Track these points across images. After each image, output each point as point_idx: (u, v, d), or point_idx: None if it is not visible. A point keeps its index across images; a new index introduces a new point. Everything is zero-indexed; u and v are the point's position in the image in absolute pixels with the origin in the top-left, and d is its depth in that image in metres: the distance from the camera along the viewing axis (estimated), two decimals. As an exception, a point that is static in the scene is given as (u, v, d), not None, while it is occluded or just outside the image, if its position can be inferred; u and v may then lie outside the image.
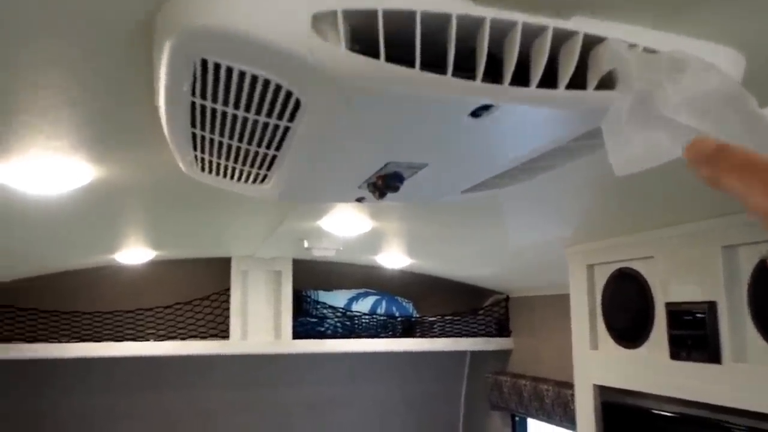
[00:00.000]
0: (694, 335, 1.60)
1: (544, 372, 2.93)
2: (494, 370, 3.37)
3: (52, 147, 1.07)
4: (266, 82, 0.67)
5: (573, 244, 2.10)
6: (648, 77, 0.64)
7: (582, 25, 0.65)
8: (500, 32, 0.65)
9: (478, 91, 0.65)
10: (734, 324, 1.53)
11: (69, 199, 1.42)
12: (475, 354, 3.59)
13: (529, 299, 3.18)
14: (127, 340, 2.82)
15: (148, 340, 2.86)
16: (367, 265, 3.25)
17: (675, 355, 1.67)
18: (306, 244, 2.44)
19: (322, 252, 2.47)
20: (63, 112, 0.96)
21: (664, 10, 0.66)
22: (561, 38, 0.67)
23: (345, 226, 2.06)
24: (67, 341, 2.72)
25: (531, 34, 0.66)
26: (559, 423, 2.69)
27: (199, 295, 3.04)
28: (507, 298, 3.40)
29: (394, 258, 2.98)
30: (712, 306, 1.57)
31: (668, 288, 1.73)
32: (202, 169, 1.09)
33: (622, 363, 1.89)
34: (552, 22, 0.64)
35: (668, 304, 1.71)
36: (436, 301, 3.46)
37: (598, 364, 2.00)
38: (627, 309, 1.88)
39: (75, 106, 0.95)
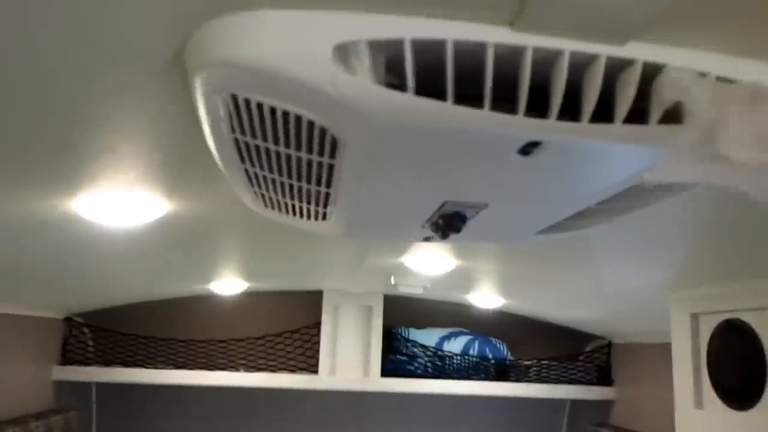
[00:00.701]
0: (814, 400, 1.40)
1: (648, 427, 2.69)
2: (594, 421, 3.14)
3: (124, 180, 1.11)
4: (298, 118, 0.65)
5: (676, 290, 1.92)
6: (721, 110, 0.55)
7: (640, 51, 0.58)
8: (546, 62, 0.59)
9: (520, 126, 0.59)
10: None
11: (150, 231, 1.47)
12: (575, 403, 3.36)
13: (633, 346, 2.95)
14: (219, 369, 2.89)
15: (238, 370, 2.91)
16: (460, 303, 3.16)
17: (792, 422, 1.47)
18: (392, 281, 2.41)
19: (409, 289, 2.43)
20: (137, 148, 0.99)
21: (741, 31, 0.57)
22: (617, 67, 0.60)
23: (428, 263, 2.01)
24: (163, 367, 2.82)
25: (581, 63, 0.59)
26: (664, 486, 2.44)
27: (290, 328, 3.07)
28: (609, 344, 3.18)
29: (485, 297, 2.88)
30: (835, 368, 1.37)
31: (783, 344, 1.52)
32: (265, 205, 1.09)
33: (731, 426, 1.69)
34: (605, 50, 0.57)
35: (784, 363, 1.51)
36: (533, 344, 3.29)
37: (702, 425, 1.80)
38: (736, 365, 1.68)
39: (143, 142, 0.98)
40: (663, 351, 2.42)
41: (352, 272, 2.46)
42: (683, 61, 0.59)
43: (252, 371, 2.93)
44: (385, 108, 0.58)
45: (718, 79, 0.60)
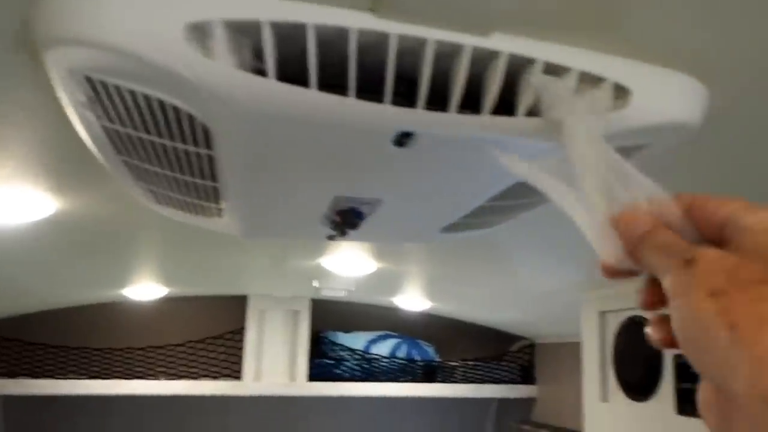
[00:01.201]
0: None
1: (568, 422, 2.76)
2: (519, 419, 3.19)
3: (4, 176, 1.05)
4: (162, 103, 0.62)
5: (586, 290, 1.97)
6: (572, 107, 0.56)
7: (506, 44, 0.58)
8: (414, 51, 0.58)
9: (387, 115, 0.58)
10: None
11: (41, 232, 1.40)
12: (501, 402, 3.42)
13: (554, 346, 3.03)
14: (137, 378, 2.78)
15: (158, 378, 2.81)
16: (387, 306, 3.16)
17: (682, 410, 1.54)
18: (315, 284, 2.38)
19: (332, 292, 2.41)
20: (3, 140, 0.93)
21: (602, 28, 0.58)
22: (485, 59, 0.59)
23: (348, 266, 1.99)
24: (75, 378, 2.70)
25: (450, 54, 0.59)
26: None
27: (214, 333, 2.99)
28: (532, 344, 3.25)
29: (412, 300, 2.88)
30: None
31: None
32: (157, 201, 1.05)
33: (631, 417, 1.74)
34: (470, 40, 0.57)
35: (676, 356, 1.58)
36: (460, 346, 3.32)
37: (607, 417, 1.85)
38: (638, 360, 1.74)
39: (8, 134, 0.92)
40: (579, 350, 2.49)
41: (275, 276, 2.42)
42: (549, 56, 0.59)
43: (173, 379, 2.84)
44: (245, 94, 0.56)
45: (582, 74, 0.60)
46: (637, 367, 1.74)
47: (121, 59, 0.53)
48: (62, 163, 1.07)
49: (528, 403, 3.20)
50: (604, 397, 1.87)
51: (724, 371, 0.34)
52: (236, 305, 3.01)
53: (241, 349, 2.96)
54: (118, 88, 0.60)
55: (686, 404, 1.52)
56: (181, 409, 3.08)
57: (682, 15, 0.56)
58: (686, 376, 1.52)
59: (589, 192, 0.51)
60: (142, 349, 2.87)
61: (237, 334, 2.99)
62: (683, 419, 1.53)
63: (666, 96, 0.63)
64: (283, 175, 0.78)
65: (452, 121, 0.59)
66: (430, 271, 2.20)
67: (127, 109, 0.65)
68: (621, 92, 0.62)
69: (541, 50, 0.59)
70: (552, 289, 2.09)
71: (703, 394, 0.39)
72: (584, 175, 0.52)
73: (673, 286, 0.38)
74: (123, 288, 2.56)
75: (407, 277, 2.35)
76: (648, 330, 0.44)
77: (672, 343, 0.41)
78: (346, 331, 3.17)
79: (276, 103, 0.56)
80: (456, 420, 3.44)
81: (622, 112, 0.61)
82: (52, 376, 2.68)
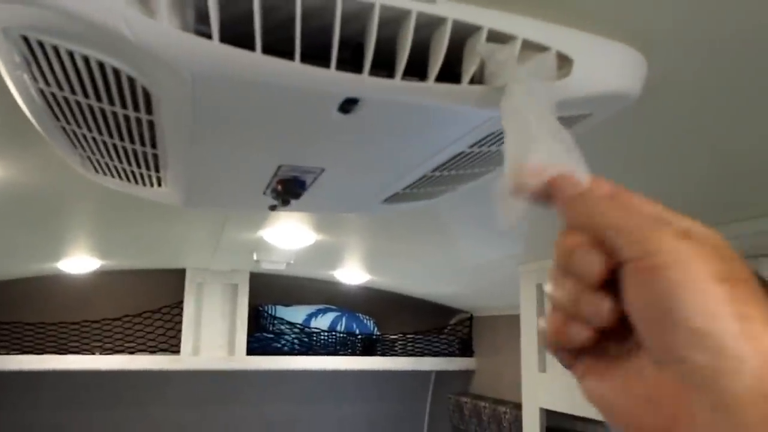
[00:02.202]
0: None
1: (505, 393, 2.85)
2: (457, 391, 3.28)
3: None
4: (101, 65, 0.60)
5: (525, 262, 2.03)
6: (514, 74, 0.57)
7: (452, 11, 0.59)
8: (359, 16, 0.58)
9: (333, 80, 0.58)
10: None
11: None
12: (440, 374, 3.50)
13: (492, 319, 3.11)
14: (72, 353, 2.70)
15: (93, 353, 2.74)
16: (327, 280, 3.16)
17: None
18: (255, 257, 2.36)
19: (272, 265, 2.39)
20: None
21: (548, -3, 0.59)
22: (431, 26, 0.60)
23: (288, 238, 1.98)
24: (5, 353, 2.60)
25: (396, 20, 0.59)
26: (516, 447, 2.60)
27: (151, 308, 2.93)
28: (471, 317, 3.33)
29: (352, 274, 2.90)
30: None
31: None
32: (96, 170, 1.02)
33: (569, 387, 1.82)
34: (416, 6, 0.57)
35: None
36: (400, 320, 3.37)
37: (545, 387, 1.93)
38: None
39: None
40: (517, 322, 2.57)
41: (213, 248, 2.38)
42: (494, 23, 0.60)
43: (109, 354, 2.77)
44: (188, 55, 0.54)
45: (525, 43, 0.61)
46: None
47: (59, 17, 0.51)
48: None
49: (466, 375, 3.29)
50: (542, 368, 1.94)
51: (719, 365, 0.30)
52: (174, 279, 2.96)
53: (179, 323, 2.92)
54: (56, 49, 0.58)
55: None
56: (117, 384, 3.02)
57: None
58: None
59: (511, 154, 0.51)
60: (76, 323, 2.78)
61: (175, 308, 2.94)
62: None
63: (607, 66, 0.66)
64: (225, 142, 0.77)
65: (397, 88, 0.60)
66: (370, 244, 2.22)
67: (65, 70, 0.62)
68: (564, 61, 0.63)
69: (486, 18, 0.60)
70: (490, 262, 2.14)
71: (645, 386, 0.35)
72: (512, 137, 0.53)
73: (660, 259, 0.33)
74: (57, 261, 2.47)
75: (347, 249, 2.36)
76: (550, 322, 0.39)
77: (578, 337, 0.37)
78: (286, 304, 3.17)
79: (219, 65, 0.55)
80: (395, 392, 3.51)
81: (564, 81, 0.63)
82: (-21, 352, 2.57)
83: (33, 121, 0.84)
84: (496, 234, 1.84)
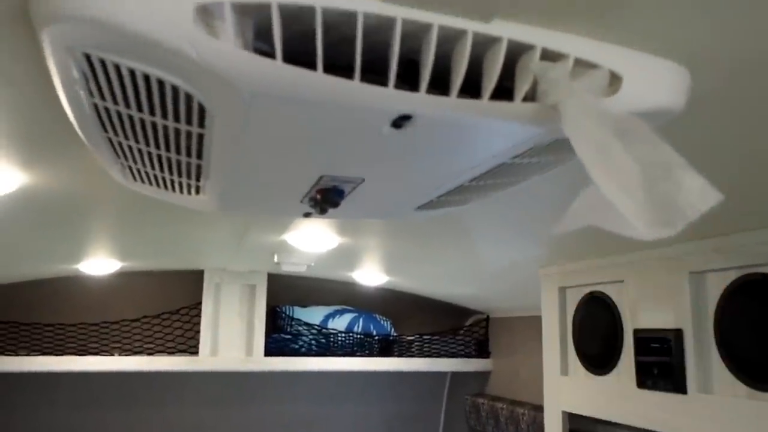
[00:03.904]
0: (661, 363, 1.54)
1: (522, 395, 2.85)
2: (474, 391, 3.28)
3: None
4: (161, 82, 0.61)
5: (546, 265, 2.03)
6: (569, 92, 0.58)
7: (507, 30, 0.60)
8: (417, 35, 0.59)
9: (390, 98, 0.59)
10: (700, 353, 1.47)
11: (4, 206, 1.35)
12: (456, 375, 3.50)
13: (509, 320, 3.11)
14: (91, 354, 2.73)
15: (113, 354, 2.76)
16: (345, 281, 3.18)
17: (641, 383, 1.60)
18: (276, 259, 2.37)
19: (292, 267, 2.41)
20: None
21: (598, 16, 0.60)
22: (485, 45, 0.61)
23: (311, 241, 1.99)
24: (27, 354, 2.63)
25: (451, 39, 0.60)
26: (534, 449, 2.61)
27: (170, 308, 2.95)
28: (487, 318, 3.33)
29: (370, 275, 2.91)
30: (678, 334, 1.50)
31: (637, 313, 1.66)
32: (134, 178, 1.03)
33: (591, 390, 1.82)
34: (472, 26, 0.58)
35: (636, 331, 1.64)
36: (417, 320, 3.38)
37: (567, 390, 1.93)
38: (597, 334, 1.81)
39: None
40: (534, 323, 2.57)
41: (234, 250, 2.40)
42: (547, 42, 0.61)
43: (128, 355, 2.80)
44: (251, 75, 0.56)
45: (577, 61, 0.62)
46: (596, 342, 1.81)
47: (128, 39, 0.52)
48: (33, 137, 1.04)
49: (482, 376, 3.29)
50: (565, 371, 1.94)
51: None
52: (192, 280, 2.98)
53: (197, 324, 2.94)
54: (117, 67, 0.59)
55: (645, 378, 1.59)
56: (134, 384, 3.04)
57: (674, 5, 0.59)
58: (645, 351, 1.59)
59: (587, 165, 0.53)
60: (96, 324, 2.81)
61: (193, 309, 2.96)
62: (642, 392, 1.60)
63: (654, 82, 0.66)
64: (271, 153, 0.78)
65: (453, 105, 0.61)
66: (391, 247, 2.23)
67: (123, 87, 0.63)
68: (613, 78, 0.64)
69: (539, 36, 0.61)
70: (510, 265, 2.15)
71: None
72: (583, 150, 0.55)
73: None
74: (77, 263, 2.50)
75: (367, 252, 2.37)
76: None
77: None
78: (303, 305, 3.18)
79: (282, 85, 0.56)
80: (411, 393, 3.52)
81: (614, 97, 0.64)
82: (2, 353, 2.60)
83: (79, 131, 0.86)
84: (517, 237, 1.85)
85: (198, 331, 2.92)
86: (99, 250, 2.37)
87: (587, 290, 1.87)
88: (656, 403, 1.56)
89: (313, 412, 3.41)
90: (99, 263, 2.55)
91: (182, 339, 2.94)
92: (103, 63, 0.60)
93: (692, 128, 0.86)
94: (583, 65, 0.63)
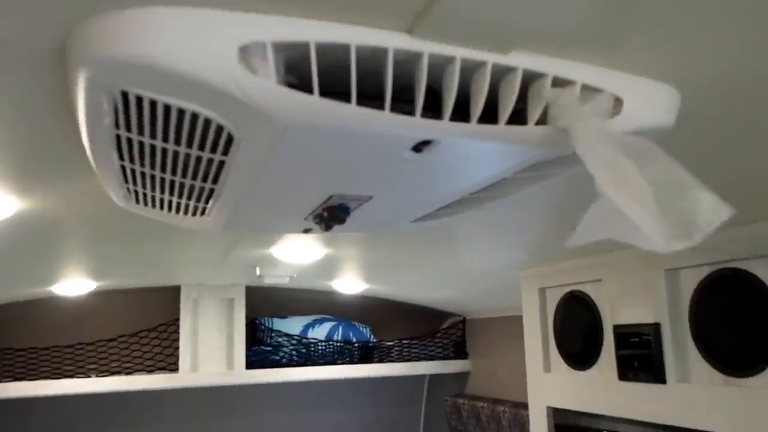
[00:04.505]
0: (641, 356, 1.62)
1: (501, 393, 2.92)
2: (453, 393, 3.34)
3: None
4: (194, 116, 0.64)
5: (526, 268, 2.10)
6: (578, 116, 0.63)
7: (521, 60, 0.64)
8: (440, 67, 0.63)
9: (417, 127, 0.63)
10: (677, 345, 1.55)
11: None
12: (434, 378, 3.56)
13: (485, 321, 3.18)
14: (66, 377, 2.68)
15: (89, 376, 2.72)
16: (323, 290, 3.20)
17: (623, 376, 1.68)
18: (258, 272, 2.38)
19: (275, 279, 2.42)
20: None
21: (602, 46, 0.65)
22: (501, 73, 0.65)
23: (297, 254, 2.02)
24: (-2, 380, 2.57)
25: (470, 69, 0.64)
26: (516, 446, 2.67)
27: (146, 326, 2.92)
28: (464, 320, 3.39)
29: (349, 284, 2.94)
30: (656, 327, 1.59)
31: (616, 310, 1.74)
32: (137, 201, 1.05)
33: (574, 385, 1.90)
34: (491, 57, 0.63)
35: (616, 327, 1.72)
36: (395, 326, 3.42)
37: (551, 386, 2.00)
38: (578, 331, 1.89)
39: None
40: (511, 323, 2.64)
41: (216, 266, 2.40)
42: (557, 70, 0.66)
43: (104, 375, 2.76)
44: (290, 109, 0.59)
45: (584, 86, 0.67)
46: (577, 339, 1.88)
47: (175, 79, 0.55)
48: (30, 165, 1.05)
49: (460, 377, 3.36)
50: (547, 368, 2.01)
51: None
52: (169, 296, 2.96)
53: (176, 340, 2.92)
54: (153, 102, 0.62)
55: (627, 370, 1.67)
56: (112, 405, 3.00)
57: (666, 34, 0.64)
58: (625, 345, 1.67)
59: (601, 182, 0.59)
60: (70, 346, 2.76)
61: (171, 325, 2.94)
62: (624, 384, 1.68)
63: (651, 103, 0.72)
64: (290, 178, 0.81)
65: (473, 131, 0.65)
66: (372, 256, 2.26)
67: (153, 119, 0.66)
68: (615, 101, 0.70)
69: (550, 65, 0.66)
70: (491, 269, 2.21)
71: None
72: (596, 169, 0.60)
73: None
74: (51, 285, 2.46)
75: (348, 261, 2.41)
76: None
77: None
78: (282, 316, 3.19)
79: (319, 117, 0.60)
80: (391, 397, 3.56)
81: (616, 119, 0.69)
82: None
83: (91, 159, 0.87)
84: (499, 243, 1.91)
85: (177, 348, 2.90)
86: (74, 271, 2.34)
87: (567, 290, 1.94)
88: (638, 394, 1.63)
89: (294, 423, 3.41)
90: (74, 284, 2.52)
91: (161, 356, 2.91)
92: (139, 99, 0.62)
93: (677, 142, 0.92)
94: (588, 90, 0.68)
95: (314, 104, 0.59)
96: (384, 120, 0.61)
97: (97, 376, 2.73)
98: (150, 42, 0.54)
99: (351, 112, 0.60)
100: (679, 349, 1.55)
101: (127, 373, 2.80)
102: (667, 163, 0.57)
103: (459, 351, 3.35)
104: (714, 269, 1.47)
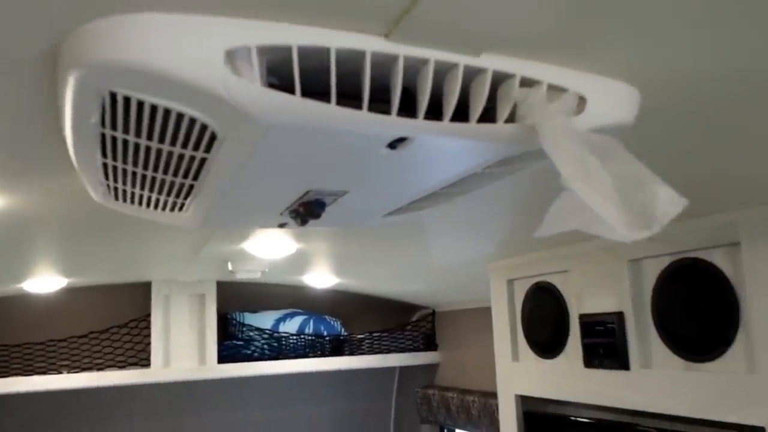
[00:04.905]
0: (605, 344, 1.68)
1: (470, 383, 2.99)
2: (423, 384, 3.40)
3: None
4: (180, 115, 0.66)
5: (494, 260, 2.15)
6: (544, 114, 0.68)
7: (491, 61, 0.68)
8: (414, 68, 0.67)
9: (393, 125, 0.67)
10: (640, 332, 1.62)
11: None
12: (404, 369, 3.61)
13: (454, 313, 3.24)
14: (38, 373, 2.66)
15: (60, 372, 2.71)
16: (294, 285, 3.22)
17: (588, 363, 1.75)
18: (230, 267, 2.39)
19: (247, 274, 2.43)
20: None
21: (566, 48, 0.70)
22: (472, 74, 0.69)
23: (270, 248, 2.04)
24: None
25: (443, 71, 0.68)
26: (486, 433, 2.74)
27: (117, 323, 2.91)
28: (433, 313, 3.45)
29: (320, 278, 2.97)
30: (620, 316, 1.66)
31: (581, 300, 1.81)
32: (116, 197, 1.06)
33: (542, 373, 1.96)
34: (463, 59, 0.67)
35: (581, 316, 1.79)
36: (366, 319, 3.46)
37: (519, 375, 2.06)
38: (545, 321, 1.95)
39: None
40: (479, 315, 2.70)
41: (187, 262, 2.41)
42: (524, 71, 0.70)
43: (76, 372, 2.75)
44: (273, 109, 0.62)
45: (550, 86, 0.72)
46: (545, 328, 1.95)
47: (164, 81, 0.58)
48: (5, 162, 1.05)
49: (430, 368, 3.41)
50: (516, 357, 2.07)
51: None
52: (140, 292, 2.95)
53: (147, 336, 2.92)
54: (140, 103, 0.64)
55: (592, 358, 1.74)
56: (83, 401, 2.99)
57: (626, 37, 0.69)
58: (590, 333, 1.74)
59: (566, 176, 0.63)
60: (41, 343, 2.74)
61: (142, 321, 2.94)
62: (590, 371, 1.75)
63: (612, 101, 0.77)
64: (270, 174, 0.84)
65: (446, 129, 0.69)
66: (343, 250, 2.29)
67: (139, 119, 0.68)
68: (579, 100, 0.74)
69: (517, 66, 0.70)
70: (460, 262, 2.26)
71: None
72: (562, 164, 0.64)
73: None
74: (21, 282, 2.44)
75: (319, 255, 2.43)
76: None
77: None
78: (253, 311, 3.21)
79: (300, 117, 0.63)
80: (363, 390, 3.60)
81: (580, 116, 0.74)
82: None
83: (73, 156, 0.89)
84: (467, 236, 1.96)
85: (148, 344, 2.90)
86: (45, 268, 2.32)
87: (534, 281, 2.01)
88: (603, 380, 1.70)
89: (267, 416, 3.44)
90: (45, 281, 2.50)
91: (132, 352, 2.91)
92: (126, 100, 0.64)
93: (637, 138, 0.98)
94: (554, 89, 0.72)
95: (296, 104, 0.62)
96: (362, 119, 0.65)
97: (68, 373, 2.72)
98: (142, 46, 0.57)
99: (331, 111, 0.63)
100: (642, 336, 1.62)
101: (99, 369, 2.79)
102: (628, 159, 0.61)
103: (429, 343, 3.41)
104: (675, 259, 1.54)
